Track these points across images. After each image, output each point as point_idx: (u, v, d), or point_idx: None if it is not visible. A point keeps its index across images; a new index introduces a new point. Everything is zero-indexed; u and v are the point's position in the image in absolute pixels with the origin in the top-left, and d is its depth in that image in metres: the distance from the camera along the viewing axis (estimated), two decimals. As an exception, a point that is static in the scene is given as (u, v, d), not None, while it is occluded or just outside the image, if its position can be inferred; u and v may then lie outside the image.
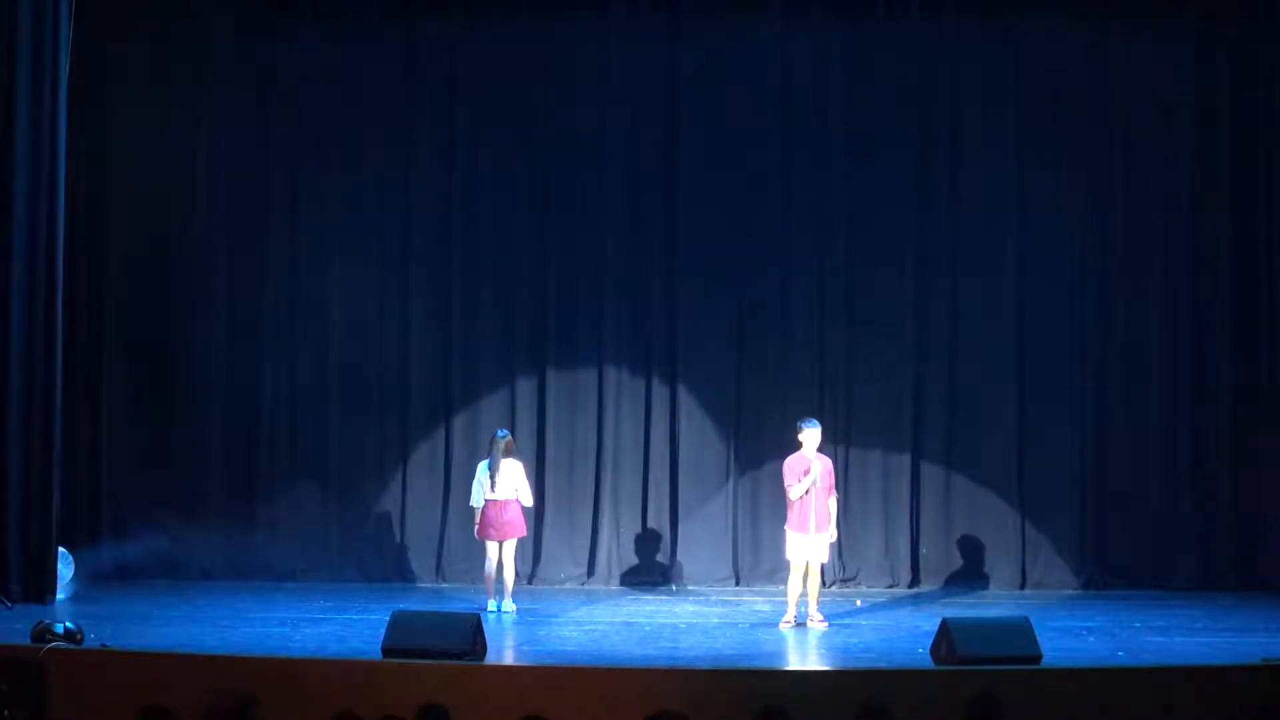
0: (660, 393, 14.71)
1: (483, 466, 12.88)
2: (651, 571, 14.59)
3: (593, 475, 14.69)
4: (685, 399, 14.69)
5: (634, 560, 14.65)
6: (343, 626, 11.95)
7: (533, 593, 13.90)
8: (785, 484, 12.11)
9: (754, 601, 13.65)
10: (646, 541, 14.66)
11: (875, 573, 14.51)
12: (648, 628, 12.20)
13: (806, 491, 11.96)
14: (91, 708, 8.98)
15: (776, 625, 12.18)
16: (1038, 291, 14.61)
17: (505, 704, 8.59)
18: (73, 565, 13.69)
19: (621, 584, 14.48)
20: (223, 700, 6.70)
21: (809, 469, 11.97)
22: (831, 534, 12.18)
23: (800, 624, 11.99)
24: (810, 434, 12.06)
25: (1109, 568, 14.45)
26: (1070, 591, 14.28)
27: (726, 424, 14.67)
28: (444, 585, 14.45)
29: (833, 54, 14.74)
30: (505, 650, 11.18)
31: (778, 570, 13.86)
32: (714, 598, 13.97)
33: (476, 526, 12.90)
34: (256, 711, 6.57)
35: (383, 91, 14.78)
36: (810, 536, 11.98)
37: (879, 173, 14.73)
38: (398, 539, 14.72)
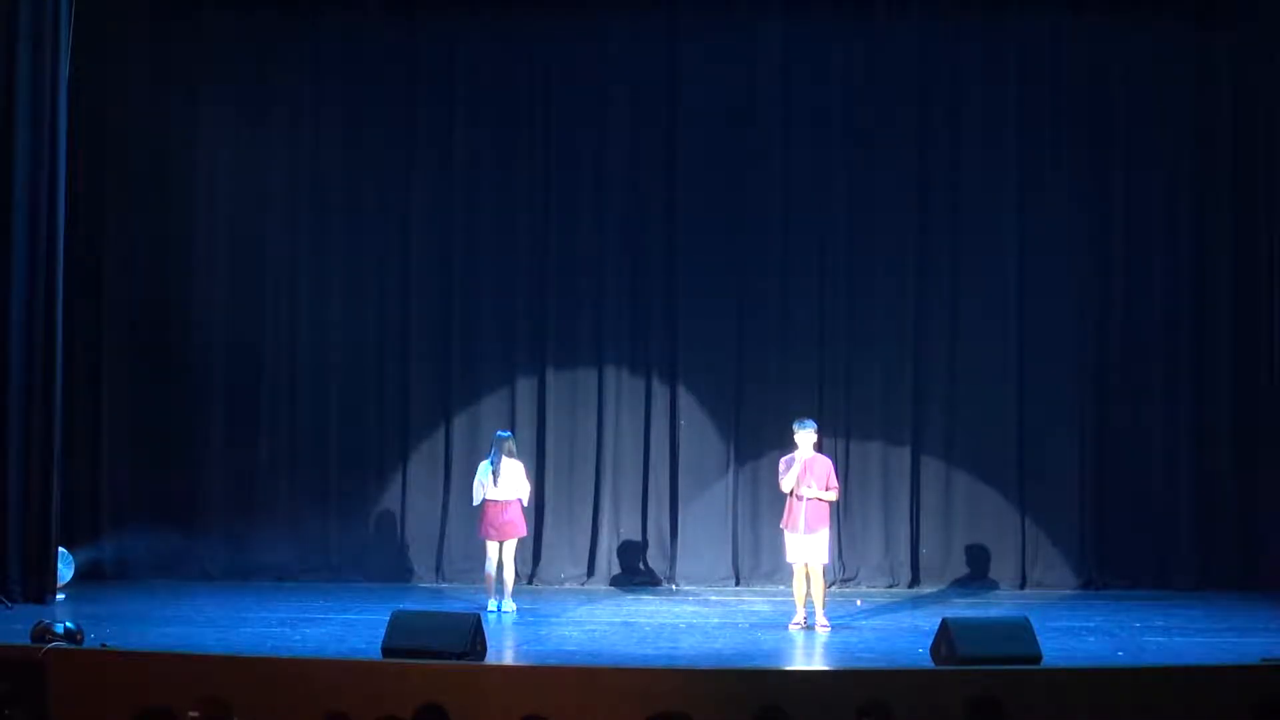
0: (660, 393, 14.71)
1: (484, 466, 12.88)
2: (651, 572, 14.60)
3: (593, 475, 14.69)
4: (685, 399, 14.68)
5: (634, 560, 14.64)
6: (343, 626, 11.94)
7: (533, 593, 13.91)
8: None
9: (754, 602, 13.65)
10: (646, 541, 14.66)
11: (875, 573, 14.51)
12: (648, 628, 12.19)
13: (792, 492, 11.96)
14: (91, 708, 8.98)
15: (776, 625, 12.17)
16: (1038, 291, 14.61)
17: (505, 704, 8.60)
18: (73, 565, 13.70)
19: (622, 584, 14.48)
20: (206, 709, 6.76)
21: (792, 464, 11.98)
22: (830, 495, 12.04)
23: (809, 626, 11.97)
24: (803, 435, 12.07)
25: (1109, 568, 14.44)
26: (1070, 591, 14.27)
27: (726, 424, 14.66)
28: (444, 585, 14.45)
29: (833, 53, 14.74)
30: (505, 650, 11.17)
31: (778, 570, 13.88)
32: (714, 598, 13.96)
33: (479, 526, 12.91)
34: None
35: (383, 91, 14.79)
36: (799, 536, 11.96)
37: (879, 172, 14.73)
38: (398, 539, 14.72)
